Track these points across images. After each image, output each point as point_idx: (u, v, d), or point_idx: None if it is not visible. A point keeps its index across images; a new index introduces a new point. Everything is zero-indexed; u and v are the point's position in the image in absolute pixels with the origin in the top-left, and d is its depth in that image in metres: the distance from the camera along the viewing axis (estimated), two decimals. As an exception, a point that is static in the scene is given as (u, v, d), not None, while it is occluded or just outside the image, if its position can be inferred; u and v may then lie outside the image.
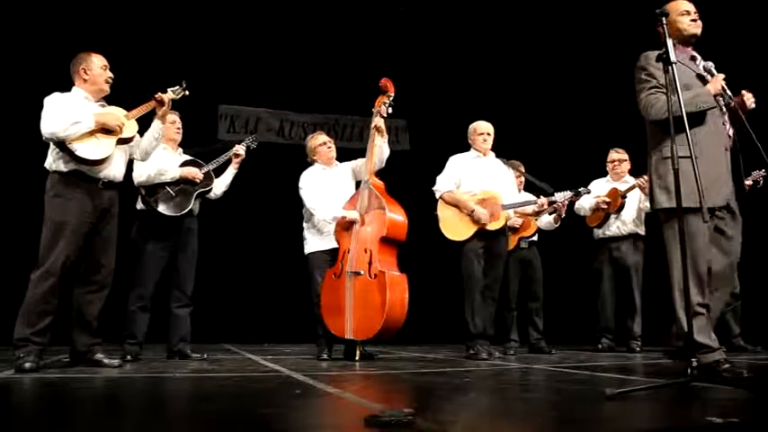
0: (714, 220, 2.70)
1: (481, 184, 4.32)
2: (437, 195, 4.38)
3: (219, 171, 4.30)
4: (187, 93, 3.61)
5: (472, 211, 4.20)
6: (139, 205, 4.01)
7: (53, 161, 3.20)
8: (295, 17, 6.57)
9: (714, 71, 2.80)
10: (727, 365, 2.57)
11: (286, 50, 6.84)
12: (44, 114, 3.14)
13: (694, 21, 2.85)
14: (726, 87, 2.78)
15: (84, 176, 3.20)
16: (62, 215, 3.12)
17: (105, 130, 3.23)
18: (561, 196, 4.59)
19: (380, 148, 4.09)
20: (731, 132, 2.81)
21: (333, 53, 6.90)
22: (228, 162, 4.30)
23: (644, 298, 4.95)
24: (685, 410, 1.93)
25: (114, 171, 3.31)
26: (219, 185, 4.28)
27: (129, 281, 3.97)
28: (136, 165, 3.84)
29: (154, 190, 3.94)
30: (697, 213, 2.38)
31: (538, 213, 4.75)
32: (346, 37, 6.74)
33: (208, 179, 4.13)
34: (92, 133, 3.18)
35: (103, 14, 5.87)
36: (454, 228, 4.28)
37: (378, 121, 4.06)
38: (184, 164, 4.07)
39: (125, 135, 3.32)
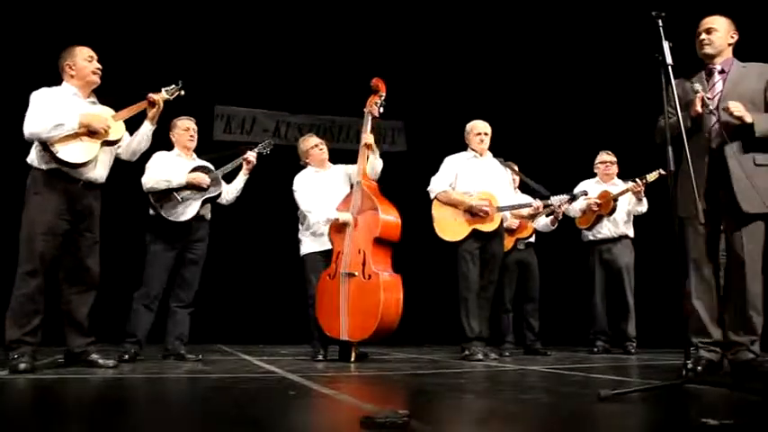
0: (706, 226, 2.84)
1: (477, 184, 4.29)
2: (431, 196, 4.35)
3: (232, 176, 4.27)
4: (183, 93, 3.51)
5: (471, 207, 4.18)
6: (151, 211, 4.00)
7: (35, 158, 3.13)
8: (292, 18, 6.57)
9: (698, 89, 2.85)
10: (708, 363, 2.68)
11: (282, 51, 6.82)
12: (28, 113, 3.07)
13: (701, 42, 2.97)
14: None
15: (65, 176, 3.12)
16: (39, 213, 3.06)
17: (90, 131, 3.14)
18: (557, 200, 4.53)
19: (372, 164, 4.09)
20: (716, 144, 2.87)
21: (329, 54, 6.89)
22: (240, 167, 4.25)
23: (636, 299, 4.96)
24: (680, 412, 1.93)
25: (97, 173, 3.24)
26: (231, 191, 4.26)
27: (133, 282, 3.97)
28: (146, 171, 3.87)
29: (161, 196, 3.93)
30: (689, 221, 2.79)
31: (533, 216, 4.74)
32: (342, 38, 6.73)
33: (216, 185, 4.08)
34: (76, 135, 3.09)
35: (99, 13, 5.84)
36: (449, 228, 4.25)
37: (367, 138, 4.06)
38: (194, 170, 4.03)
39: (111, 138, 3.23)
